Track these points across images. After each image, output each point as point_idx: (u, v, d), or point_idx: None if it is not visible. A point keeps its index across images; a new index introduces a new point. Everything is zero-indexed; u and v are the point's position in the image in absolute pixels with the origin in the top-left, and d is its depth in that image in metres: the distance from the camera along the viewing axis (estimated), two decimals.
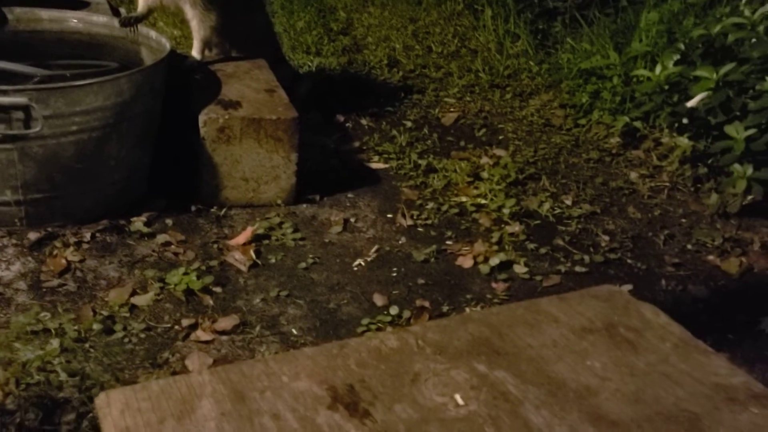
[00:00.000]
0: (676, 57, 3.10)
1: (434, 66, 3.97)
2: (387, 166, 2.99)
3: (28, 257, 2.19)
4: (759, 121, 2.66)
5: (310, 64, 3.87)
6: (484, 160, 3.04)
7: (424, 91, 3.69)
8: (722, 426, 1.15)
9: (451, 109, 3.53)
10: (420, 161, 2.99)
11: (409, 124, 3.35)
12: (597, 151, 3.17)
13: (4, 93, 2.06)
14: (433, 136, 3.25)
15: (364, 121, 3.36)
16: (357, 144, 3.14)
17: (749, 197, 2.71)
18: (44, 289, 2.08)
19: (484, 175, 2.89)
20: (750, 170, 2.63)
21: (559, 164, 3.06)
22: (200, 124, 2.46)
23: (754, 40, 2.83)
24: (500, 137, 3.29)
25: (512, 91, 3.67)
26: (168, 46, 2.50)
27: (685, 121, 3.03)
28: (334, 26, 4.44)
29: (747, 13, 2.81)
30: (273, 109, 2.57)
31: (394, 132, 3.23)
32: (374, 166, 3.00)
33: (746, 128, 2.66)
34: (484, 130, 3.31)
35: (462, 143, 3.22)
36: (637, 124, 3.18)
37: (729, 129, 2.68)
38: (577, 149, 3.20)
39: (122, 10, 3.12)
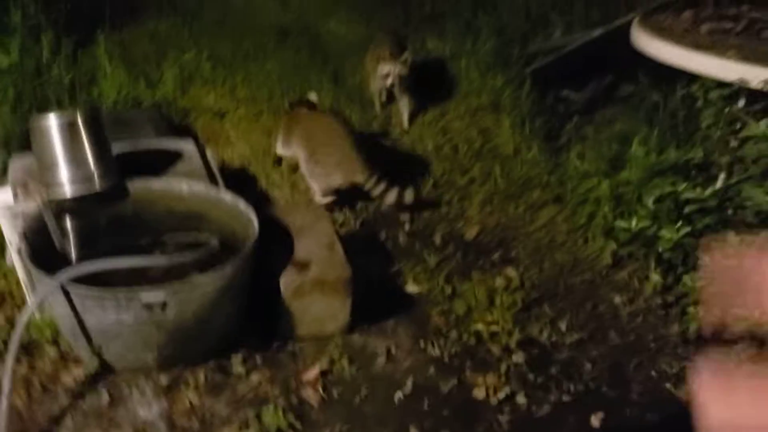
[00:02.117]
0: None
1: (460, 170, 4.70)
2: (420, 290, 3.77)
3: (162, 398, 3.04)
4: None
5: None
6: (498, 282, 3.80)
7: (450, 202, 4.44)
8: None
9: (473, 222, 4.29)
10: (446, 286, 3.76)
11: (437, 241, 4.12)
12: (590, 271, 3.92)
13: (152, 293, 2.86)
14: (457, 254, 4.02)
15: (401, 239, 4.14)
16: (395, 268, 3.92)
17: None
18: (177, 430, 2.93)
19: (497, 301, 3.66)
20: None
21: (558, 287, 3.82)
22: (281, 287, 3.27)
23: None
24: (513, 254, 4.05)
25: (524, 204, 4.40)
26: (256, 223, 3.28)
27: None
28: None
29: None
30: (333, 268, 3.37)
31: (425, 253, 4.00)
32: (410, 289, 3.79)
33: None
34: (499, 251, 4.06)
35: (480, 262, 3.99)
36: (623, 251, 3.92)
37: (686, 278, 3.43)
38: (575, 269, 3.95)
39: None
